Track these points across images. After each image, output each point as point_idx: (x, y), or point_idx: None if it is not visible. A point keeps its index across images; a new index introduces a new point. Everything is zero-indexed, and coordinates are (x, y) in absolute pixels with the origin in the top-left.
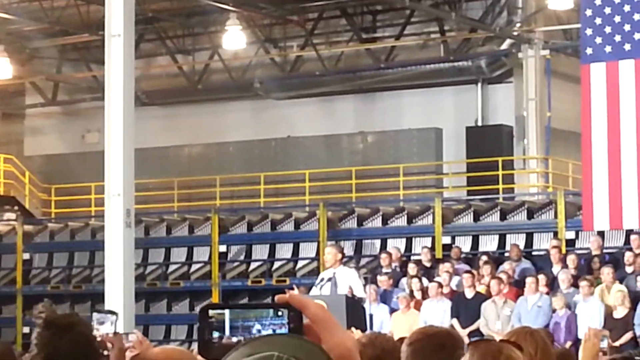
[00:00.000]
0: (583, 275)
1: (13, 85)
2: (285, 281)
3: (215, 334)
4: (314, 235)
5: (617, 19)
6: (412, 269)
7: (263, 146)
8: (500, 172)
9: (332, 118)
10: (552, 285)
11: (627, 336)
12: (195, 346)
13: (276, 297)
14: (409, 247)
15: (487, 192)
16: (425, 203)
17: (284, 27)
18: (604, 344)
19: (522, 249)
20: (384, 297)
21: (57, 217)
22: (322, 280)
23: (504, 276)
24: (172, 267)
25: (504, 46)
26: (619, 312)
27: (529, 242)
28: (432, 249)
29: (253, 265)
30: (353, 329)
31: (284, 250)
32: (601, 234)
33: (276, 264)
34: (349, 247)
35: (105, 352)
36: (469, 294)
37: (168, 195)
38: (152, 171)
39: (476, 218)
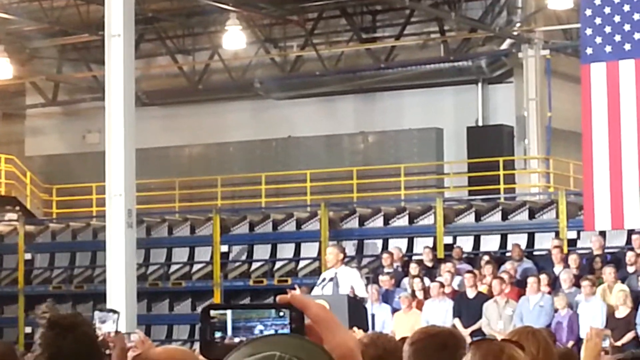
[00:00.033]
0: (585, 275)
1: (13, 85)
2: (286, 281)
3: (218, 334)
4: (315, 235)
5: (617, 18)
6: (413, 268)
7: (264, 146)
8: (501, 172)
9: (332, 118)
10: (554, 285)
11: (629, 336)
12: (197, 346)
13: (278, 298)
14: (410, 247)
15: (489, 192)
16: (426, 203)
17: (284, 27)
18: (606, 344)
19: (524, 249)
20: (386, 297)
21: (58, 217)
22: (323, 280)
23: (505, 276)
24: (173, 267)
25: (504, 46)
26: (621, 312)
27: (531, 242)
28: (434, 248)
29: (255, 265)
30: (355, 328)
31: (286, 250)
32: (603, 233)
33: (278, 264)
34: (350, 247)
35: (107, 352)
36: (471, 293)
37: (169, 196)
38: (153, 171)
39: (477, 218)
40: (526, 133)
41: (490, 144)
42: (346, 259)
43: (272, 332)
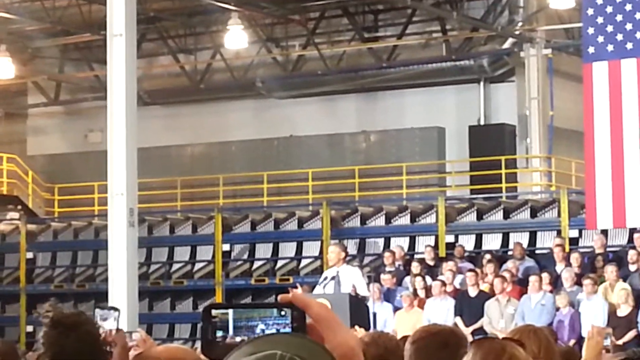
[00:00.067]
0: (586, 273)
1: (15, 85)
2: (288, 280)
3: (219, 334)
4: (317, 234)
5: (619, 17)
6: (415, 267)
7: (266, 145)
8: (503, 171)
9: (334, 117)
10: (556, 284)
11: (631, 334)
12: (198, 345)
13: (279, 297)
14: (412, 245)
15: (490, 191)
16: (428, 202)
17: (285, 27)
18: (608, 342)
19: (526, 248)
20: (388, 296)
21: (60, 216)
22: (325, 278)
23: (507, 274)
24: (175, 266)
25: (506, 45)
26: (623, 310)
27: (533, 240)
28: (436, 247)
29: (256, 264)
30: (356, 327)
31: (288, 249)
32: (604, 232)
33: (279, 263)
34: (352, 246)
35: (108, 348)
36: (473, 292)
37: (171, 195)
38: (154, 170)
39: (479, 217)
40: (528, 132)
41: (492, 142)
42: (348, 258)
43: (274, 331)
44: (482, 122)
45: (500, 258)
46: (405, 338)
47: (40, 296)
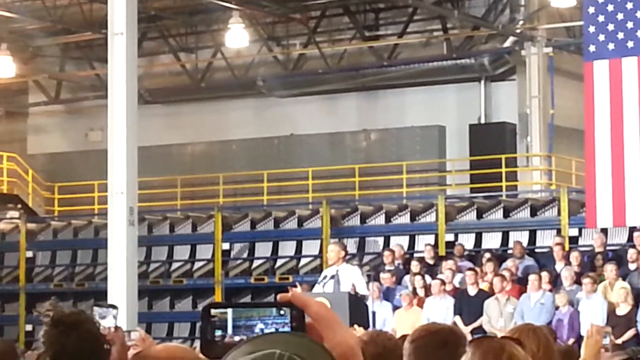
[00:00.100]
0: (586, 272)
1: (16, 83)
2: (288, 279)
3: (218, 333)
4: (317, 232)
5: (620, 16)
6: (415, 266)
7: (266, 144)
8: (503, 170)
9: (335, 116)
10: (555, 283)
11: (630, 333)
12: (197, 344)
13: (278, 296)
14: (412, 244)
15: (490, 190)
16: (428, 200)
17: (286, 25)
18: (607, 341)
19: (525, 246)
20: (387, 295)
21: (60, 215)
22: (325, 277)
23: (507, 273)
24: (175, 265)
25: (507, 44)
26: (622, 309)
27: (532, 239)
28: (435, 246)
29: (256, 263)
30: (356, 326)
31: (287, 248)
32: (604, 231)
33: (279, 262)
34: (352, 245)
35: (106, 346)
36: (472, 291)
37: (171, 193)
38: (155, 169)
39: (479, 215)
40: (529, 130)
41: (492, 141)
42: (347, 257)
43: (273, 330)
44: (482, 121)
45: (499, 257)
46: (404, 337)
47: (40, 295)
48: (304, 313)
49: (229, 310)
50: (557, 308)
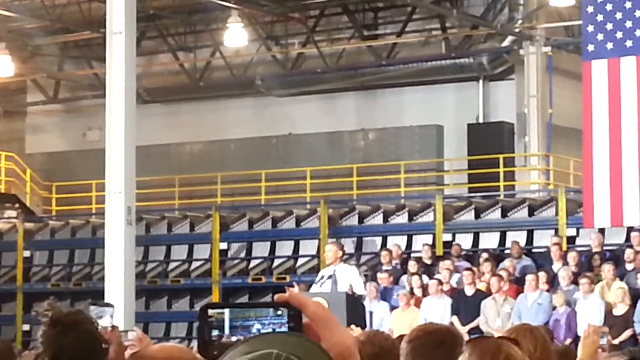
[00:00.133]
0: (583, 272)
1: (14, 82)
2: (285, 279)
3: (215, 333)
4: (314, 232)
5: (619, 15)
6: (412, 266)
7: (264, 143)
8: (501, 169)
9: (333, 115)
10: (553, 283)
11: (627, 333)
12: (195, 344)
13: (276, 296)
14: (409, 244)
15: (488, 189)
16: (426, 200)
17: (285, 25)
18: (604, 341)
19: (523, 246)
20: (384, 295)
21: (57, 214)
22: (322, 277)
23: (504, 273)
24: (172, 265)
25: (506, 43)
26: (619, 309)
27: (530, 239)
28: (433, 246)
29: (253, 263)
30: (353, 326)
31: (285, 248)
32: (602, 231)
33: (276, 262)
34: (349, 245)
35: (105, 346)
36: (469, 291)
37: (169, 193)
38: (153, 169)
39: (477, 215)
40: (527, 130)
41: (490, 141)
42: (345, 257)
43: (270, 330)
44: (481, 120)
45: (497, 257)
46: (401, 337)
47: (37, 295)
48: (301, 313)
49: (226, 311)
50: (554, 308)
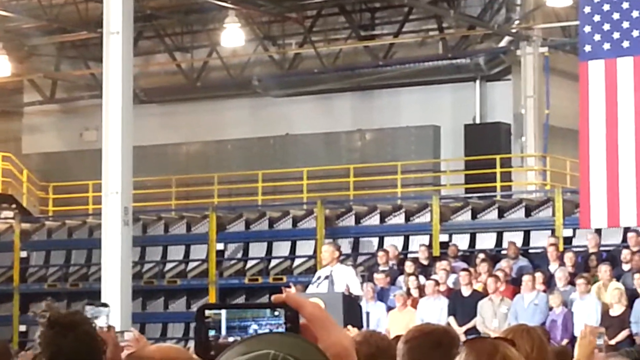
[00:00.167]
0: (580, 273)
1: (11, 82)
2: (282, 279)
3: (212, 334)
4: (311, 233)
5: (616, 16)
6: (409, 266)
7: (261, 144)
8: (498, 170)
9: (330, 116)
10: (549, 283)
11: (624, 334)
12: (191, 344)
13: (273, 297)
14: (406, 244)
15: (485, 190)
16: (422, 201)
17: (282, 25)
18: (600, 342)
19: (520, 247)
20: (381, 295)
21: (54, 215)
22: (319, 278)
23: (501, 274)
24: (169, 265)
25: (503, 43)
26: (616, 310)
27: (527, 239)
28: (430, 246)
29: (250, 263)
30: (349, 327)
31: (282, 248)
32: (598, 231)
33: (273, 262)
34: (346, 245)
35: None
36: (466, 291)
37: (166, 193)
38: (150, 169)
39: (474, 216)
40: (523, 130)
41: (487, 141)
42: (342, 257)
43: (267, 331)
44: (477, 121)
45: (494, 257)
46: (398, 337)
47: (34, 295)
48: (298, 314)
49: (223, 312)
50: (551, 309)
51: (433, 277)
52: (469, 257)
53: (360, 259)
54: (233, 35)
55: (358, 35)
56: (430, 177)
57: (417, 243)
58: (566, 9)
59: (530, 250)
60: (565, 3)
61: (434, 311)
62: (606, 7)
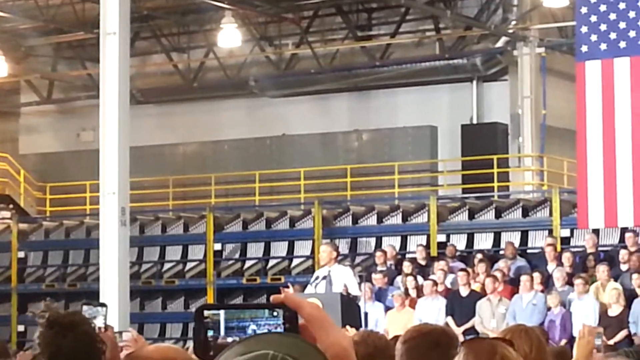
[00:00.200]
0: (578, 273)
1: (8, 83)
2: (280, 279)
3: (210, 334)
4: (309, 233)
5: (612, 16)
6: (407, 267)
7: (258, 144)
8: (495, 170)
9: (327, 116)
10: (547, 283)
11: (622, 334)
12: (190, 344)
13: (271, 297)
14: (404, 245)
15: (482, 190)
16: (420, 201)
17: (279, 25)
18: (599, 342)
19: (517, 247)
20: (379, 295)
21: (52, 215)
22: (317, 278)
23: (498, 274)
24: (167, 266)
25: (499, 44)
26: (614, 310)
27: (524, 240)
28: (427, 247)
29: (248, 264)
30: (348, 327)
31: (279, 249)
32: (596, 231)
33: (271, 262)
34: (344, 245)
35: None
36: (464, 292)
37: (163, 194)
38: (147, 169)
39: (471, 216)
40: (520, 131)
41: (484, 141)
42: (339, 257)
43: (266, 332)
44: (474, 121)
45: (491, 257)
46: (396, 338)
47: (32, 296)
48: (296, 314)
49: (222, 312)
50: (549, 309)
51: (431, 277)
52: (466, 257)
53: (358, 259)
54: (230, 36)
55: (355, 36)
56: (428, 178)
57: (415, 243)
58: (563, 10)
59: (528, 251)
60: (562, 4)
61: (432, 311)
62: (603, 7)
